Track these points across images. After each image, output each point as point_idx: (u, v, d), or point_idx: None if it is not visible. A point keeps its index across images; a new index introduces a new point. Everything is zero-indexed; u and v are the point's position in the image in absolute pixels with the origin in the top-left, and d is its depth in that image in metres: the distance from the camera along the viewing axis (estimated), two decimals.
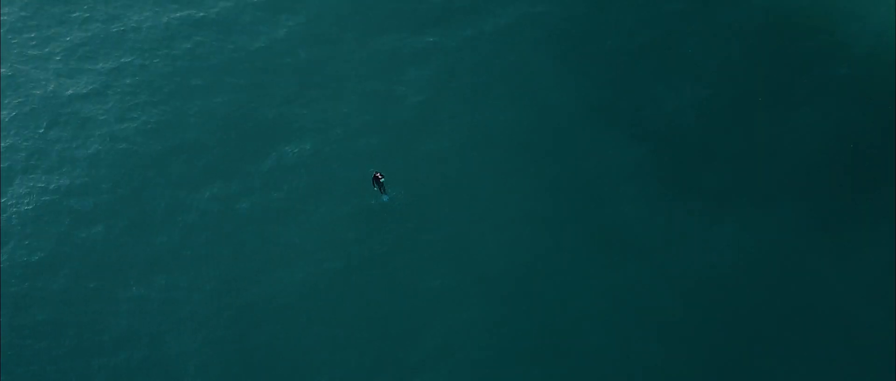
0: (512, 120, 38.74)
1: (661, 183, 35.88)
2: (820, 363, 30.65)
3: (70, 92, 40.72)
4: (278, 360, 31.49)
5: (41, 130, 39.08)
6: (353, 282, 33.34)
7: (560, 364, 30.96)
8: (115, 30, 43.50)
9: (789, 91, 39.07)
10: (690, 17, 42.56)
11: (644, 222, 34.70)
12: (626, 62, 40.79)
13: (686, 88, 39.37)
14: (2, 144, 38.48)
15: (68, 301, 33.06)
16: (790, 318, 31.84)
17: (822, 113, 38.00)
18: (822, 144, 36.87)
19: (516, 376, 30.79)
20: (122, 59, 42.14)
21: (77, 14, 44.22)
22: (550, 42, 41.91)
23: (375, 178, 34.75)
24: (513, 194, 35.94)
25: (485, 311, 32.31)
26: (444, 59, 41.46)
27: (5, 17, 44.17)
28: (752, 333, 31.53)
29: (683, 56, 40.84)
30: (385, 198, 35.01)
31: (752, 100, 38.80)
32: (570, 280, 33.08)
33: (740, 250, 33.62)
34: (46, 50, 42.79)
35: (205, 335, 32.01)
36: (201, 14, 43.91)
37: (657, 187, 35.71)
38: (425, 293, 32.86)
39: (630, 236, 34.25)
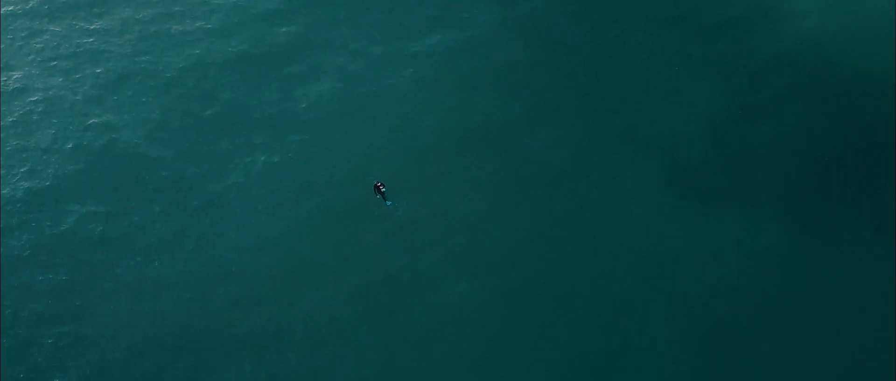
0: (511, 128, 39.60)
1: (661, 189, 36.83)
2: (817, 360, 31.52)
3: (74, 95, 41.58)
4: (288, 366, 32.20)
5: (48, 134, 39.90)
6: (361, 288, 34.09)
7: (563, 363, 31.82)
8: (119, 37, 44.45)
9: (780, 102, 40.01)
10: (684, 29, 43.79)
11: (647, 226, 35.58)
12: (625, 78, 41.72)
13: (684, 100, 40.39)
14: (4, 147, 39.31)
15: (78, 312, 33.68)
16: (784, 314, 32.76)
17: (811, 122, 39.04)
18: (812, 151, 37.90)
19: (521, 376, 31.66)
20: (127, 66, 42.97)
21: (85, 22, 45.12)
22: (556, 56, 42.84)
23: (376, 187, 35.67)
24: (513, 198, 36.74)
25: (492, 316, 33.01)
26: (452, 70, 42.45)
27: (11, 20, 45.05)
28: (751, 329, 32.38)
29: (679, 70, 41.88)
30: (388, 204, 35.79)
31: (745, 110, 39.82)
32: (573, 280, 33.91)
33: (739, 252, 34.56)
34: (52, 54, 43.60)
35: (219, 341, 32.84)
36: (204, 25, 44.73)
37: (658, 193, 36.66)
38: (434, 298, 33.59)
39: (634, 241, 35.07)
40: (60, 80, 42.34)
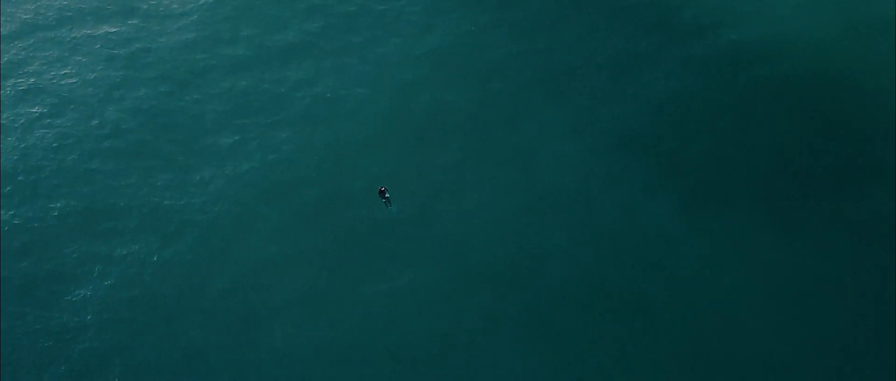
0: (504, 128, 41.14)
1: (643, 190, 38.24)
2: (811, 356, 32.66)
3: (81, 95, 42.93)
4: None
5: (49, 132, 41.27)
6: (358, 284, 35.24)
7: (562, 360, 32.92)
8: (125, 41, 46.15)
9: (750, 110, 41.62)
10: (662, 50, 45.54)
11: (640, 224, 36.97)
12: (617, 80, 43.43)
13: (661, 109, 41.98)
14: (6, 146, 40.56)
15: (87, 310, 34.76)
16: (773, 309, 33.96)
17: (778, 129, 40.72)
18: (779, 156, 39.42)
19: (516, 371, 32.81)
20: (130, 66, 44.67)
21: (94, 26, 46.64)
22: (548, 58, 44.55)
23: (381, 192, 37.11)
24: (507, 193, 38.21)
25: (485, 314, 34.13)
26: (445, 72, 44.12)
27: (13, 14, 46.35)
28: (744, 324, 33.52)
29: (658, 83, 43.50)
30: (392, 209, 37.16)
31: (717, 117, 41.48)
32: (561, 272, 35.23)
33: (732, 249, 35.91)
34: (57, 55, 45.17)
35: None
36: (208, 35, 46.49)
37: (651, 190, 38.09)
38: (433, 297, 34.71)
39: (626, 238, 36.40)
40: (68, 79, 43.91)
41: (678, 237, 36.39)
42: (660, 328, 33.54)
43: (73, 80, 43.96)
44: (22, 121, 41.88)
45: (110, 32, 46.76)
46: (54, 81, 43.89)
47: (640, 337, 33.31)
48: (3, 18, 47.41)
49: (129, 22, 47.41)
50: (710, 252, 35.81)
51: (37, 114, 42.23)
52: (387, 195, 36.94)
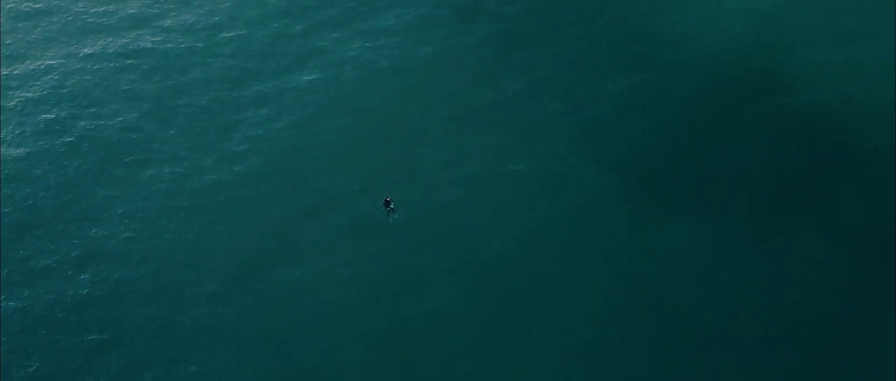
0: (501, 143, 42.13)
1: (631, 199, 39.21)
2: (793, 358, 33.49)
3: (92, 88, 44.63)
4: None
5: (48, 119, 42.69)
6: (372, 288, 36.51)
7: (542, 355, 34.01)
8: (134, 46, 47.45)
9: (732, 123, 42.26)
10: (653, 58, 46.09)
11: (620, 233, 38.05)
12: (598, 91, 44.29)
13: (646, 123, 42.81)
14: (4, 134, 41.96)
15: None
16: (734, 309, 34.89)
17: (761, 141, 41.34)
18: (758, 167, 40.09)
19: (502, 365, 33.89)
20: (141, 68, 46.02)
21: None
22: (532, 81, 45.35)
23: (386, 202, 38.26)
24: (506, 203, 39.32)
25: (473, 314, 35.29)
26: (435, 79, 45.33)
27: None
28: (722, 328, 34.37)
29: (644, 94, 44.17)
30: (394, 217, 38.48)
31: (701, 130, 42.16)
32: (551, 276, 36.30)
33: (688, 251, 36.94)
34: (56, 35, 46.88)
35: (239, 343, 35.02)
36: (209, 45, 47.71)
37: (628, 203, 39.09)
38: (426, 296, 35.96)
39: (608, 247, 37.46)
40: (72, 84, 45.17)
41: (669, 240, 37.16)
42: (654, 331, 34.26)
43: (76, 84, 45.01)
44: (25, 124, 42.96)
45: (112, 37, 47.26)
46: (58, 85, 44.77)
47: (635, 337, 34.09)
48: (3, 21, 47.80)
49: (132, 27, 48.21)
50: (696, 257, 36.53)
51: (40, 117, 43.34)
52: (392, 206, 38.07)
